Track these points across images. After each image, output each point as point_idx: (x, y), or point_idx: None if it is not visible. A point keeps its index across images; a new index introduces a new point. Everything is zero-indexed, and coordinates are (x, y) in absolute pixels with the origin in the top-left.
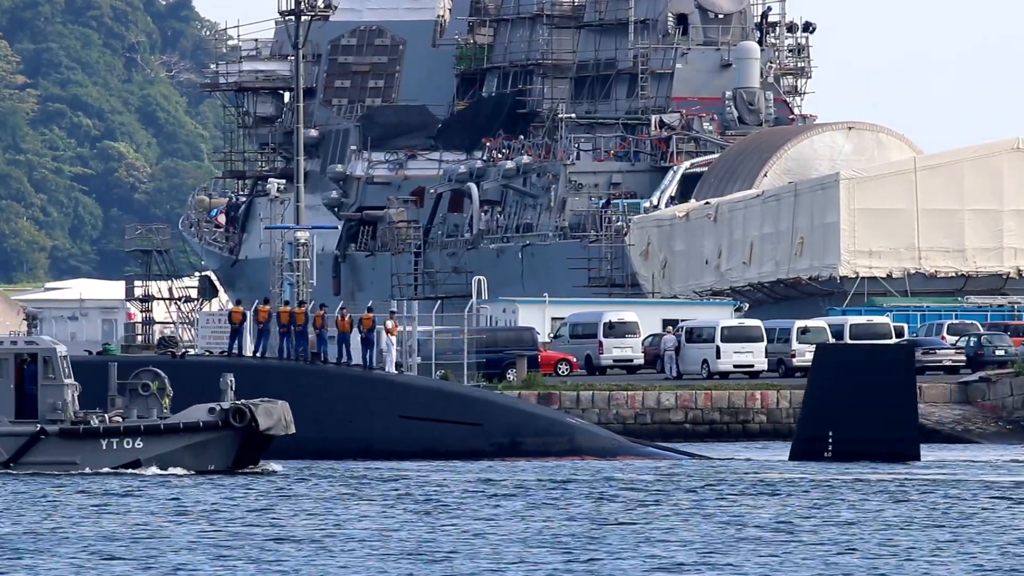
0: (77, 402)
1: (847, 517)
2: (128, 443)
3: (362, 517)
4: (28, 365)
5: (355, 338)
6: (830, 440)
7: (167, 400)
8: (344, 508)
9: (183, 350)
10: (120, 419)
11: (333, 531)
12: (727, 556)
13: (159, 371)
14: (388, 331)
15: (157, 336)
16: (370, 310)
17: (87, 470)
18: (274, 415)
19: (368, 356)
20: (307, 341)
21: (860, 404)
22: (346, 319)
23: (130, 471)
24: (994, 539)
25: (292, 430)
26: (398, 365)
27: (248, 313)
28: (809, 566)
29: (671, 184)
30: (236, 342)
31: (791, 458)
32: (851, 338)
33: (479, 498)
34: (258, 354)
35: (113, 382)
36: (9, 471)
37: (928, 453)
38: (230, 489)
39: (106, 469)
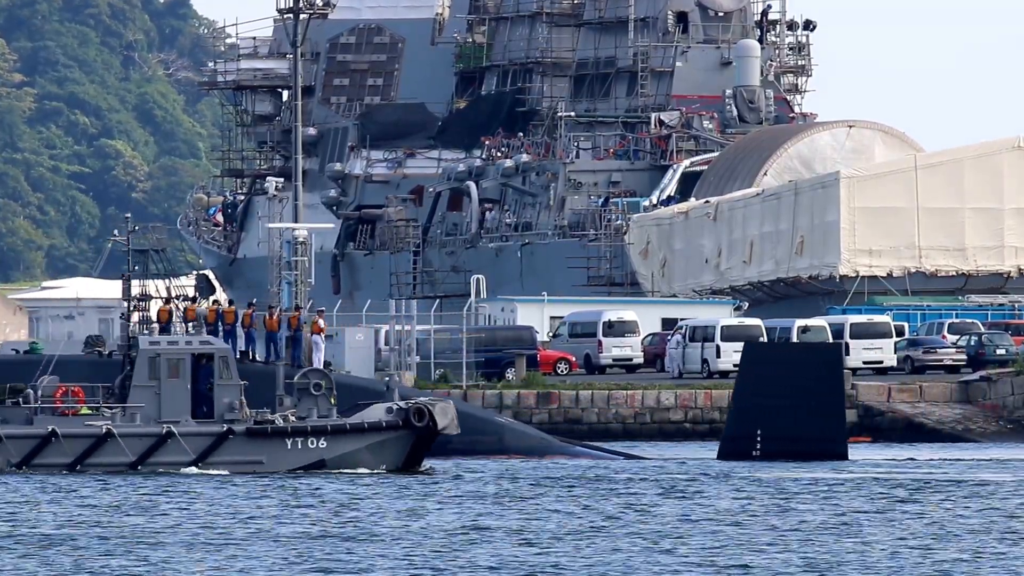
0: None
1: (733, 517)
2: (312, 443)
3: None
4: (203, 365)
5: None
6: (758, 439)
7: (333, 400)
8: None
9: (110, 350)
10: (294, 418)
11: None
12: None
13: (326, 371)
14: (316, 330)
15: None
16: (298, 308)
17: (272, 470)
18: (448, 415)
19: (295, 354)
20: (235, 340)
21: (788, 403)
22: (275, 318)
23: (316, 471)
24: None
25: (459, 430)
26: (326, 363)
27: (172, 311)
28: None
29: (671, 183)
30: None
31: (719, 457)
32: (852, 337)
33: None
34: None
35: (281, 382)
36: (199, 471)
37: (855, 452)
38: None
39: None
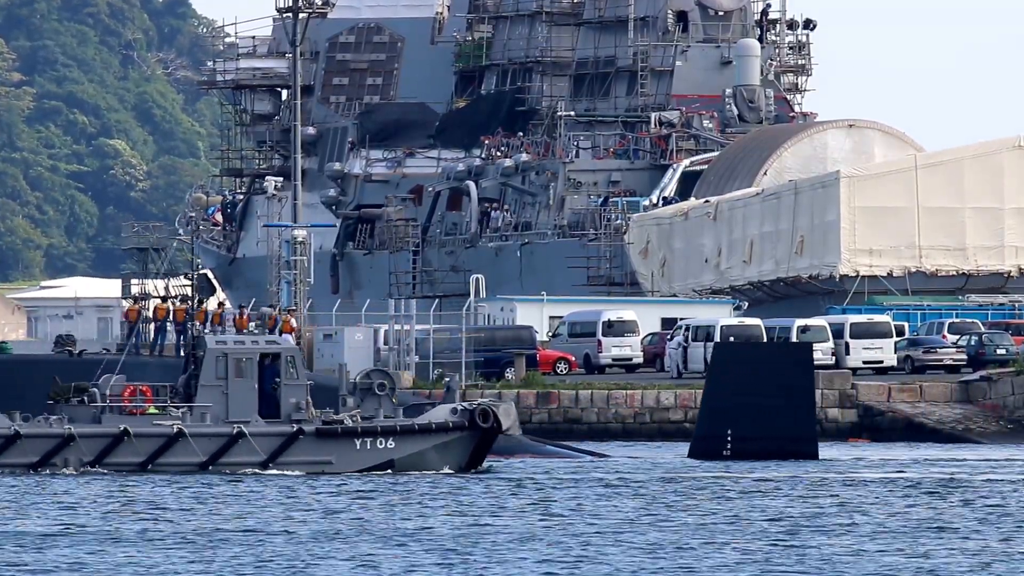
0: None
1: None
2: (381, 443)
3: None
4: (269, 365)
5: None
6: (728, 439)
7: (395, 400)
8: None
9: (80, 349)
10: (361, 418)
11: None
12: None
13: (388, 371)
14: (287, 329)
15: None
16: (271, 307)
17: (341, 471)
18: (511, 415)
19: None
20: None
21: (759, 403)
22: (244, 317)
23: (382, 471)
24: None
25: (521, 431)
26: None
27: (142, 311)
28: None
29: (670, 182)
30: (134, 340)
31: (690, 457)
32: (852, 337)
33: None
34: (155, 352)
35: (344, 382)
36: (267, 471)
37: (826, 451)
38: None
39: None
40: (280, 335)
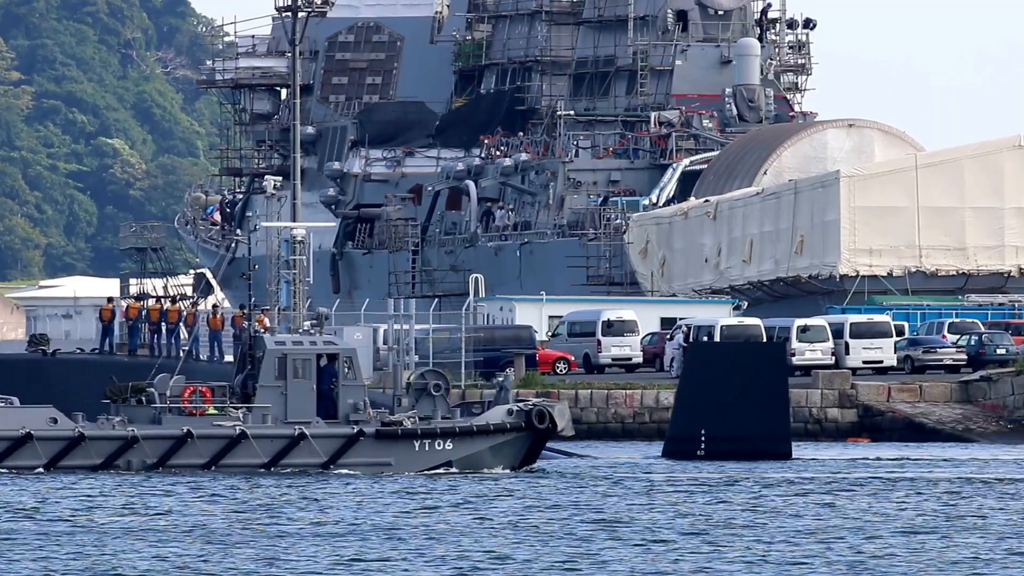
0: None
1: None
2: (439, 444)
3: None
4: (326, 365)
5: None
6: (703, 439)
7: (449, 400)
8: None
9: (54, 348)
10: (416, 419)
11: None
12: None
13: (442, 371)
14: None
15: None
16: (242, 307)
17: (401, 472)
18: (566, 416)
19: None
20: (179, 338)
21: (732, 402)
22: (218, 316)
23: (442, 472)
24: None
25: (574, 431)
26: None
27: (117, 310)
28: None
29: (670, 182)
30: (108, 340)
31: (663, 456)
32: (852, 337)
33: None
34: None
35: (400, 382)
36: (329, 472)
37: (799, 450)
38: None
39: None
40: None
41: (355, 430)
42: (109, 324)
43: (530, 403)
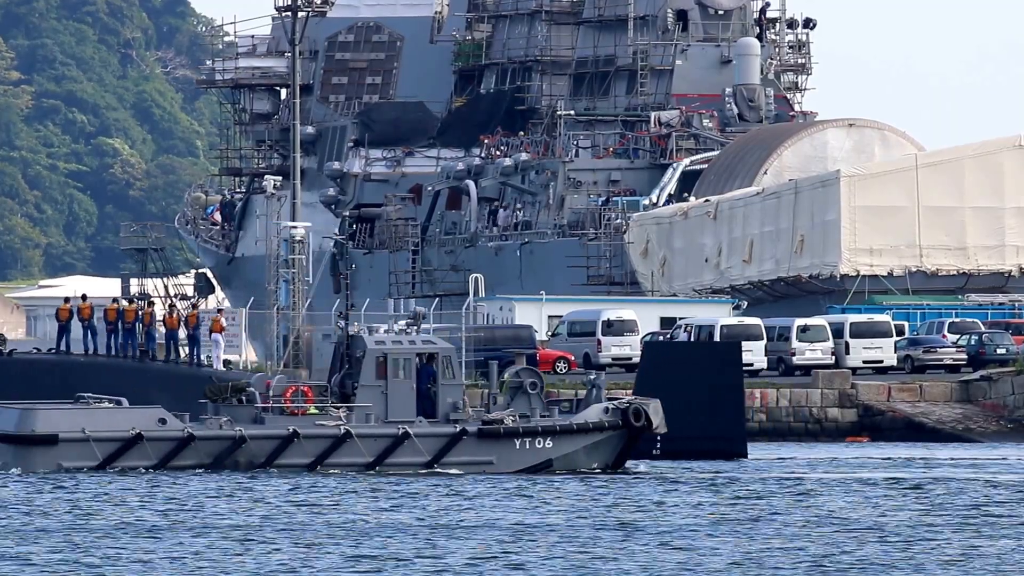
0: None
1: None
2: (539, 443)
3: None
4: (425, 364)
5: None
6: (658, 439)
7: (543, 399)
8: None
9: (11, 348)
10: (516, 418)
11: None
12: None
13: (537, 369)
14: (217, 328)
15: None
16: (194, 307)
17: (502, 471)
18: (659, 414)
19: (194, 353)
20: (135, 338)
21: (688, 402)
22: (174, 316)
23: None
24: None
25: (667, 429)
26: (226, 362)
27: (74, 310)
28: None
29: (670, 181)
30: (64, 339)
31: None
32: (852, 336)
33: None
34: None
35: (493, 380)
36: (432, 472)
37: (755, 450)
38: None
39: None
40: (210, 335)
41: (458, 429)
42: (66, 324)
43: (625, 401)
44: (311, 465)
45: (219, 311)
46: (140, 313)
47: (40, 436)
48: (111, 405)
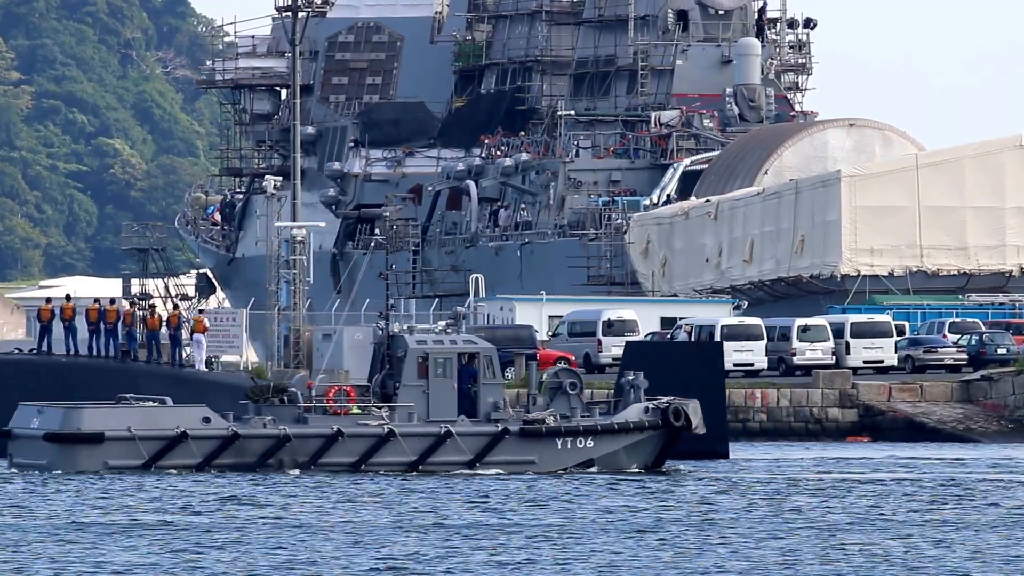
0: None
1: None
2: (581, 443)
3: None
4: (466, 364)
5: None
6: None
7: (582, 398)
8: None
9: None
10: (558, 417)
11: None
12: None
13: (575, 370)
14: (199, 328)
15: None
16: (176, 307)
17: (544, 470)
18: (699, 414)
19: (176, 353)
20: (117, 338)
21: None
22: (155, 316)
23: (583, 471)
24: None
25: (705, 429)
26: (208, 362)
27: (56, 310)
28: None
29: (671, 182)
30: (46, 340)
31: None
32: (852, 337)
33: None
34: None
35: (533, 380)
36: (475, 471)
37: (746, 451)
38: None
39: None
40: (191, 335)
41: (500, 428)
42: (48, 324)
43: (664, 401)
44: (355, 464)
45: (201, 311)
46: (121, 313)
47: (86, 435)
48: (155, 404)
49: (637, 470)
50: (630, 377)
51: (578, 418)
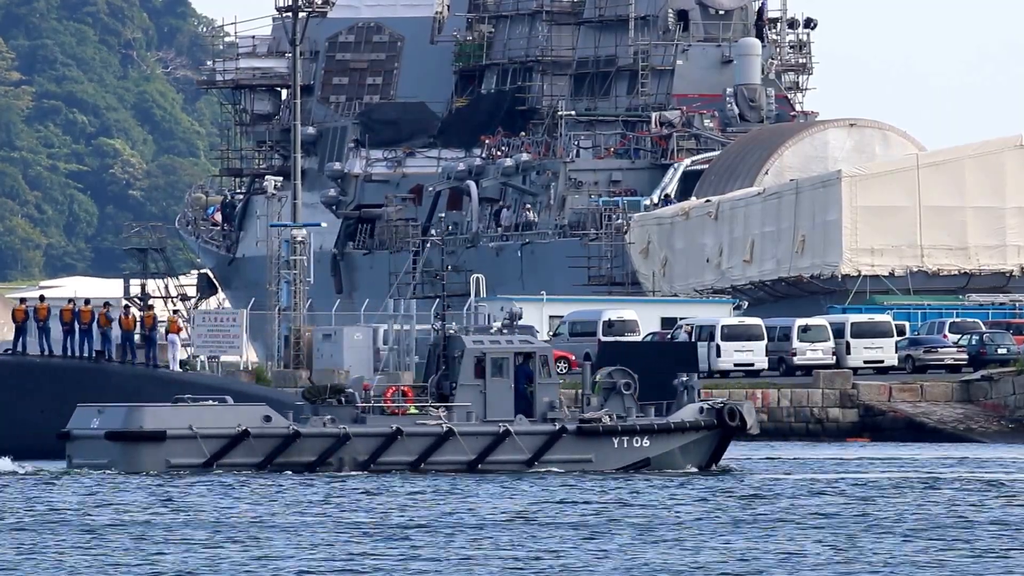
0: None
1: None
2: (637, 442)
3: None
4: (522, 364)
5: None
6: None
7: (635, 398)
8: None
9: None
10: (614, 416)
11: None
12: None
13: (630, 370)
14: (174, 329)
15: None
16: (150, 308)
17: (600, 469)
18: (753, 414)
19: (150, 354)
20: (92, 339)
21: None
22: (129, 317)
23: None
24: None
25: (759, 430)
26: (183, 363)
27: (30, 311)
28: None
29: (671, 182)
30: (20, 340)
31: None
32: (853, 336)
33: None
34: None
35: (587, 380)
36: (532, 470)
37: (736, 451)
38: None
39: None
40: (167, 335)
41: (557, 427)
42: (22, 325)
43: (719, 401)
44: (414, 464)
45: (175, 312)
46: (96, 314)
47: (148, 433)
48: (215, 402)
49: (693, 469)
50: (684, 378)
51: (633, 418)
